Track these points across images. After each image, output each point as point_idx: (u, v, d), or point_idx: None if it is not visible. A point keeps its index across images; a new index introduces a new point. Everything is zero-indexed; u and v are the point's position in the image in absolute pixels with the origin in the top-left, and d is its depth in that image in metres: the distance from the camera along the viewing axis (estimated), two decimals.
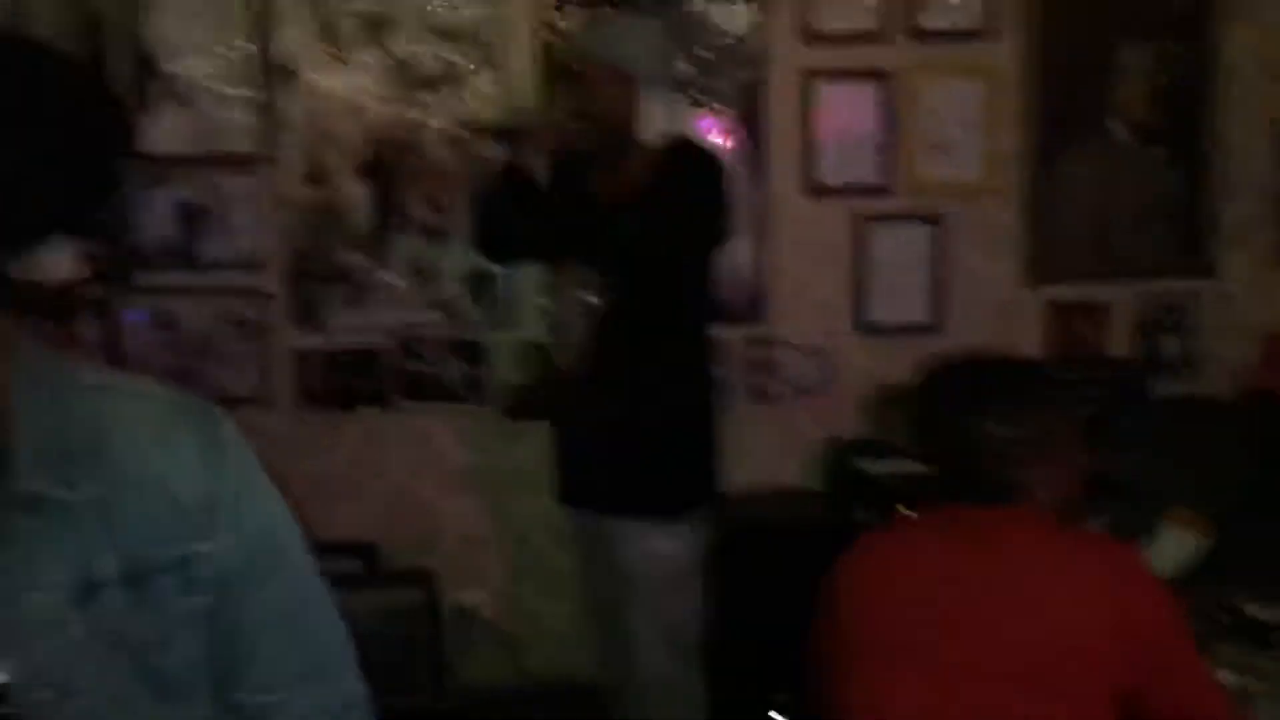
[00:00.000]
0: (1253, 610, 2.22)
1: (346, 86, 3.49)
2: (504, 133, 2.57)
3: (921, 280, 3.64)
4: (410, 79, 3.50)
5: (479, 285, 3.56)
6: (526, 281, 3.37)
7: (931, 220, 3.63)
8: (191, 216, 3.52)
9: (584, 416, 2.55)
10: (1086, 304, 3.69)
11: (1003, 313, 3.70)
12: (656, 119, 2.46)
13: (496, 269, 3.32)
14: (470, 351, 3.60)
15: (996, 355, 1.86)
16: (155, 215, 3.50)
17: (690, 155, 2.48)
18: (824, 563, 1.79)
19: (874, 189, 3.61)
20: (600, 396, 2.48)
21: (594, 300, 2.41)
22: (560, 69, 2.61)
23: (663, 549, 2.47)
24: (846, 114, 3.58)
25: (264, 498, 1.08)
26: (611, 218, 2.41)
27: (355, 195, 3.53)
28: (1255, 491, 2.95)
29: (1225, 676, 2.00)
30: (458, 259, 3.53)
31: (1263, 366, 3.57)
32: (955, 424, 1.66)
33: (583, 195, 2.53)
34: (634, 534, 2.49)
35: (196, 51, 3.46)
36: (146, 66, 3.44)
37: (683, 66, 3.43)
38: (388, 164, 3.52)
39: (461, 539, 3.66)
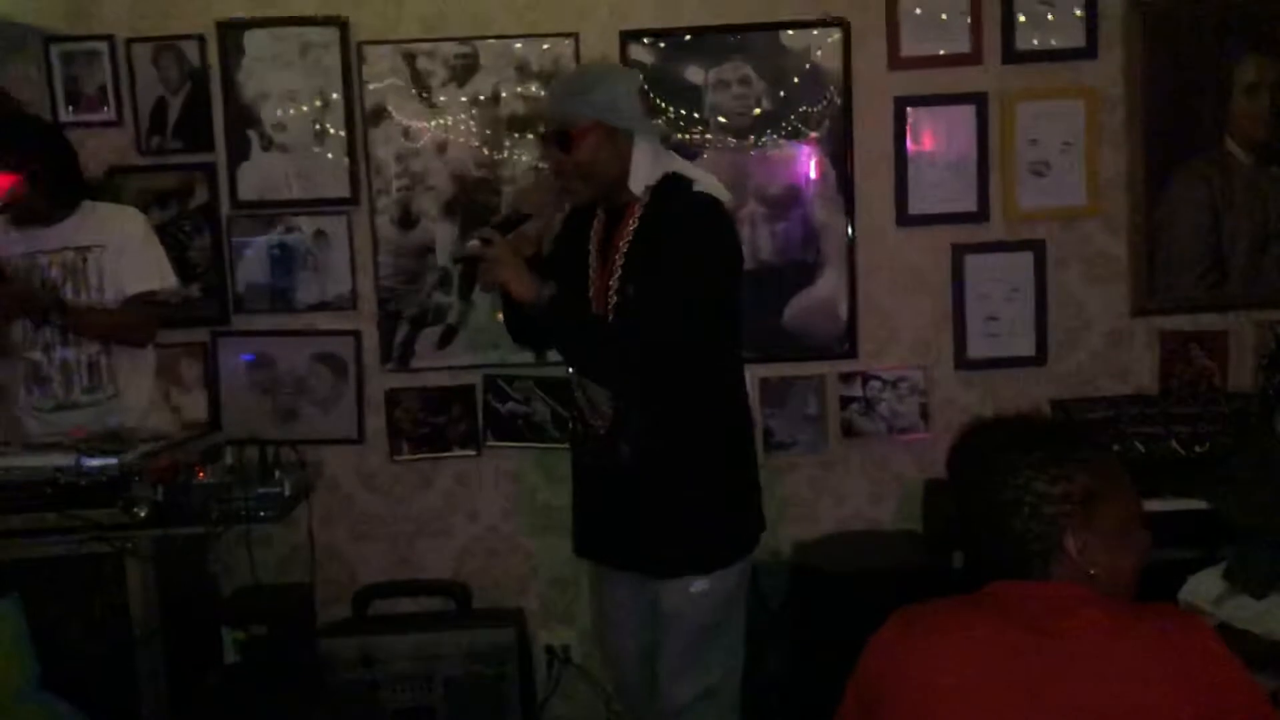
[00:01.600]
0: None
1: (434, 128, 3.53)
2: (501, 225, 2.46)
3: (1023, 311, 3.49)
4: (497, 118, 3.52)
5: None
6: None
7: (1032, 248, 3.48)
8: (288, 260, 3.60)
9: (605, 475, 2.51)
10: (1203, 333, 3.48)
11: (1111, 344, 3.52)
12: (647, 167, 2.38)
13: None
14: (557, 389, 3.58)
15: (1039, 416, 1.73)
16: (253, 259, 3.59)
17: (674, 199, 2.39)
18: None
19: (970, 216, 3.48)
20: (615, 456, 2.44)
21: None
22: (544, 133, 2.51)
23: (690, 600, 2.43)
24: (939, 140, 3.47)
25: None
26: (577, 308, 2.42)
27: (443, 235, 3.56)
28: None
29: None
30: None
31: None
32: (990, 475, 1.51)
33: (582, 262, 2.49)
34: (666, 588, 2.46)
35: (291, 100, 3.54)
36: (246, 117, 3.53)
37: (765, 102, 3.41)
38: (474, 203, 3.54)
39: (552, 580, 3.64)
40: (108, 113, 3.52)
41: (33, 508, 2.41)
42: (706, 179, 2.47)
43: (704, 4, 3.45)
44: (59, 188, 2.96)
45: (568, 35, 3.47)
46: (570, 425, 2.65)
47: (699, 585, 2.42)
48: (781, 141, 3.48)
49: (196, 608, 2.78)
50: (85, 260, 2.99)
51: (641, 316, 2.32)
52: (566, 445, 3.54)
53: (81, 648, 2.51)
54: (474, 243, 2.37)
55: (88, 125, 3.48)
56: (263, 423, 3.51)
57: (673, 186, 2.41)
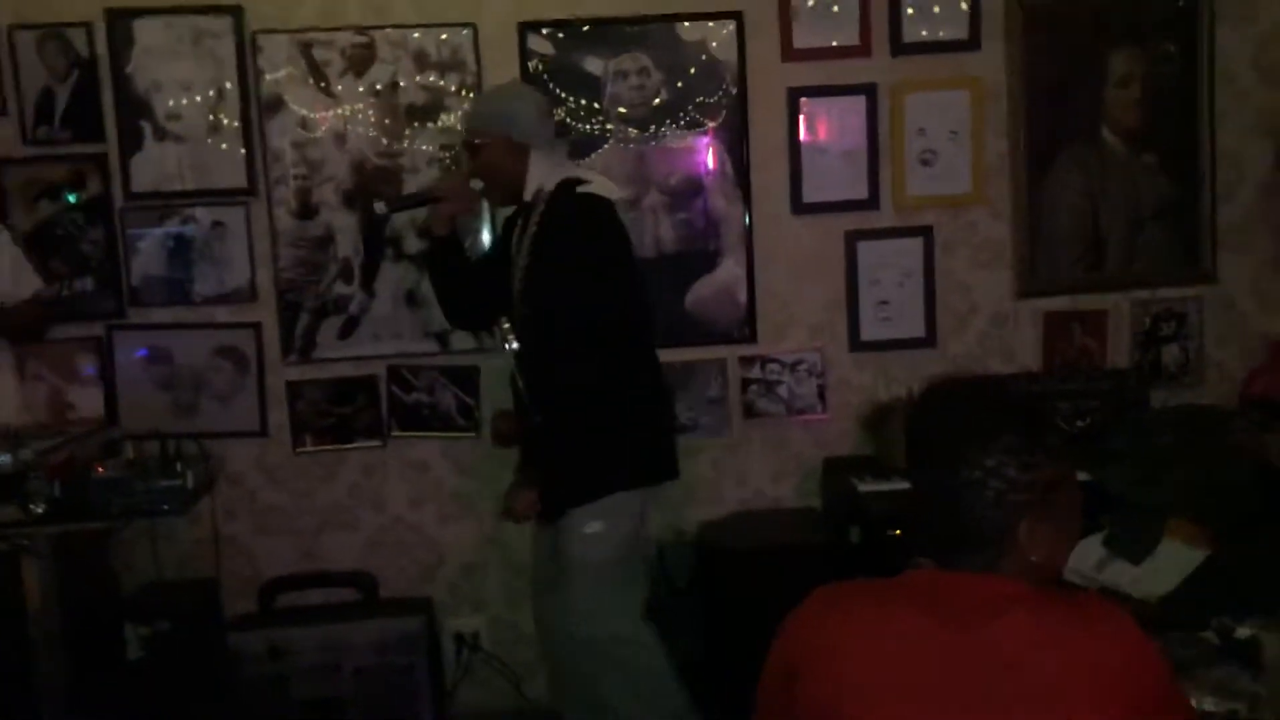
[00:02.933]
0: (1242, 632, 2.17)
1: (332, 118, 3.51)
2: (407, 199, 3.05)
3: (914, 295, 3.61)
4: (395, 107, 3.51)
5: None
6: None
7: (921, 234, 3.60)
8: (184, 252, 3.55)
9: (528, 438, 2.87)
10: (1083, 314, 3.65)
11: (998, 325, 3.66)
12: (546, 173, 2.76)
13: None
14: (463, 378, 3.60)
15: (1000, 381, 1.65)
16: (149, 251, 3.53)
17: (558, 202, 2.75)
18: (818, 583, 1.67)
19: (861, 204, 3.59)
20: (533, 418, 2.81)
21: (513, 344, 2.85)
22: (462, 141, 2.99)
23: (590, 529, 2.74)
24: (831, 130, 3.56)
25: None
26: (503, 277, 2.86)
27: (343, 225, 3.55)
28: (1256, 503, 2.89)
29: (1209, 703, 1.97)
30: None
31: (1265, 373, 3.51)
32: (957, 452, 1.43)
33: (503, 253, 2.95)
34: (569, 524, 2.78)
35: (185, 90, 3.48)
36: (138, 106, 3.47)
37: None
38: (374, 193, 3.52)
39: (460, 567, 3.66)
40: None
41: None
42: (599, 182, 2.83)
43: None
44: None
45: (465, 25, 3.48)
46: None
47: (593, 526, 2.72)
48: (680, 132, 3.54)
49: (98, 605, 2.74)
50: None
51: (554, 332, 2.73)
52: (473, 434, 3.59)
53: None
54: (379, 206, 2.95)
55: None
56: (162, 417, 3.45)
57: (563, 191, 2.75)
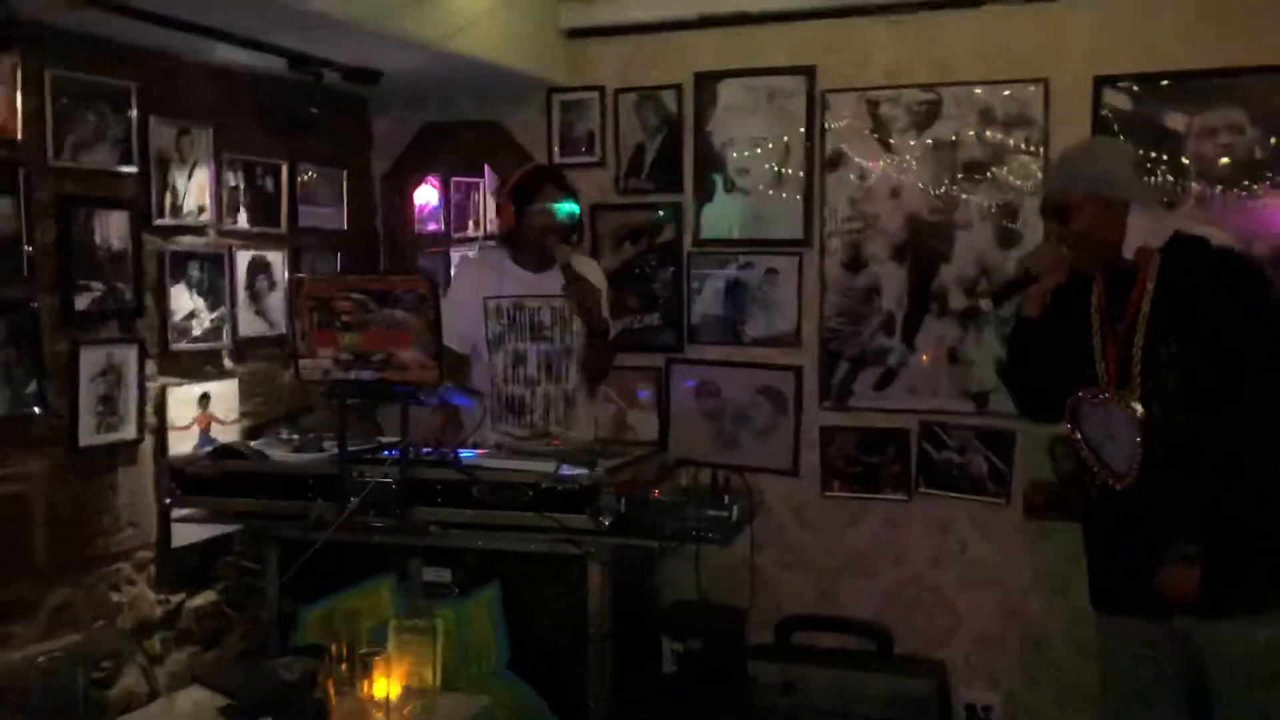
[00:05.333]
0: None
1: (889, 172, 3.57)
2: (1009, 286, 2.69)
3: None
4: (952, 163, 3.50)
5: None
6: None
7: None
8: (739, 295, 3.79)
9: (1148, 522, 2.44)
10: None
11: None
12: (1148, 228, 2.48)
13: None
14: (998, 443, 3.49)
15: None
16: (708, 293, 3.81)
17: (1199, 259, 2.43)
18: None
19: None
20: (1163, 502, 2.41)
21: (1140, 412, 2.40)
22: (1045, 204, 2.64)
23: (1262, 641, 2.36)
24: None
25: None
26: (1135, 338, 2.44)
27: (891, 278, 3.59)
28: None
29: None
30: (991, 345, 3.46)
31: None
32: None
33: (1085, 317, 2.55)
34: (1231, 631, 2.38)
35: (755, 145, 3.73)
36: (713, 160, 3.77)
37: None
38: (924, 247, 3.54)
39: (977, 635, 3.55)
40: (593, 155, 3.89)
41: (516, 507, 2.69)
42: (1215, 233, 2.50)
43: (1190, 47, 3.24)
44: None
45: (1036, 81, 3.39)
46: (1081, 484, 2.65)
47: (1266, 632, 2.35)
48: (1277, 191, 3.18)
49: (642, 616, 2.97)
50: (567, 307, 3.21)
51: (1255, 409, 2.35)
52: (1002, 501, 3.46)
53: (543, 637, 2.77)
54: (984, 303, 2.93)
55: (575, 166, 3.86)
56: (705, 447, 3.71)
57: (1187, 246, 2.45)
